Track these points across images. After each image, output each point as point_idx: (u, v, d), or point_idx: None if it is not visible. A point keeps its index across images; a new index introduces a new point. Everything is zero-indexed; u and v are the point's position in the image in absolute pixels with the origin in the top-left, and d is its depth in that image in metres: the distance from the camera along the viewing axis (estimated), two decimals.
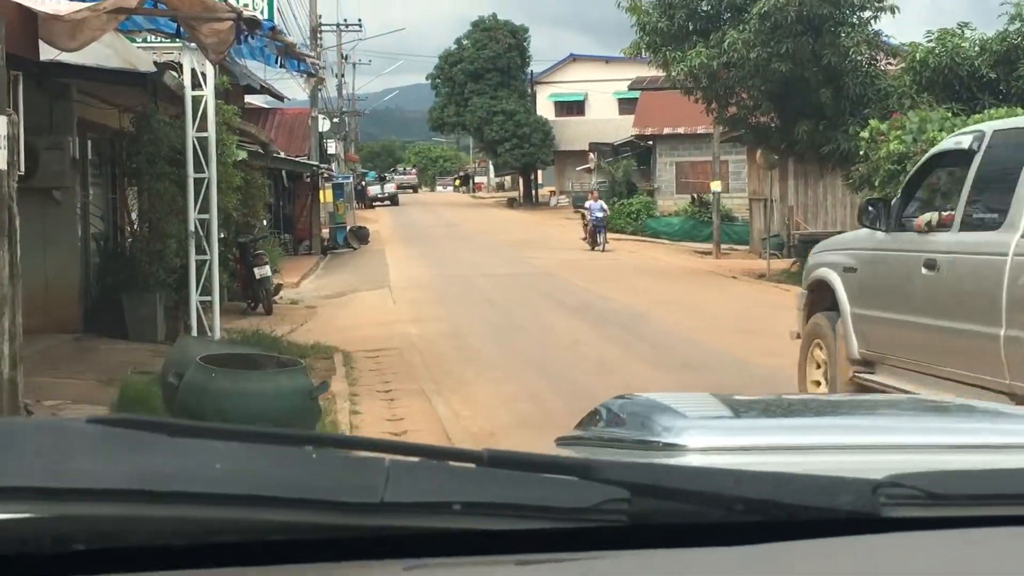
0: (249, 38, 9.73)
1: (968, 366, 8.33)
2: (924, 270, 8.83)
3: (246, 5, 14.86)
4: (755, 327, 18.25)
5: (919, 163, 10.59)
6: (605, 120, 72.43)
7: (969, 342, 8.27)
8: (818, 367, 10.63)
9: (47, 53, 11.42)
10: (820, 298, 10.68)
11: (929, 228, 8.98)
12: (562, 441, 2.70)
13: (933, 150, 10.49)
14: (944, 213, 9.00)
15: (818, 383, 10.53)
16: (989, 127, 9.10)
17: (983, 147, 8.66)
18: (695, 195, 48.03)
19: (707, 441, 2.23)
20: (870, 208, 9.91)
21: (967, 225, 8.49)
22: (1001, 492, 1.58)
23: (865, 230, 9.93)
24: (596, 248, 37.97)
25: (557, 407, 11.12)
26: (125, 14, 9.21)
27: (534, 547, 1.38)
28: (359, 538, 1.35)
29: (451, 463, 1.45)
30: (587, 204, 40.84)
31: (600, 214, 38.69)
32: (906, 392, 8.58)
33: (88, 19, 8.95)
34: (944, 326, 8.58)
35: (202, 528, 1.29)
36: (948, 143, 9.91)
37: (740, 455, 2.15)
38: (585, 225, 39.95)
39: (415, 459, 1.44)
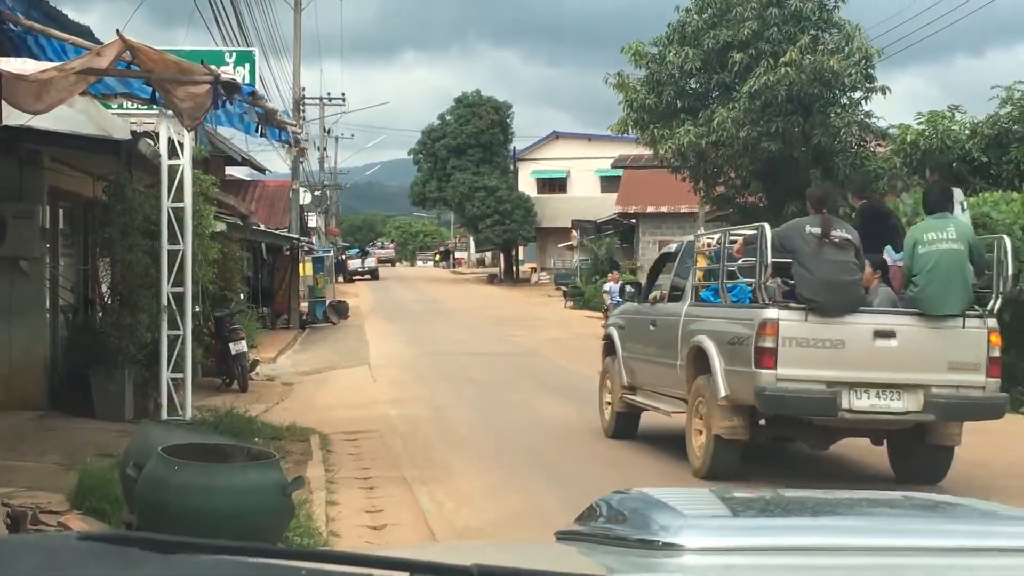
0: (228, 103, 9.16)
1: (670, 385, 13.02)
2: (651, 327, 13.77)
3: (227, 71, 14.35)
4: None
5: (654, 260, 16.00)
6: (587, 197, 72.35)
7: (669, 370, 12.86)
8: (608, 392, 15.07)
9: (16, 117, 10.88)
10: (609, 347, 15.28)
11: (654, 301, 14.06)
12: (562, 536, 2.74)
13: (661, 251, 15.95)
14: (661, 291, 14.19)
15: (609, 403, 14.95)
16: (686, 239, 14.83)
17: (681, 251, 14.10)
18: None
19: (705, 541, 2.27)
20: (628, 288, 15.48)
21: (670, 299, 13.66)
22: None
23: (629, 303, 15.13)
24: None
25: (547, 500, 10.47)
26: (95, 75, 8.64)
27: None
28: None
29: None
30: (606, 287, 35.93)
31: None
32: (650, 406, 13.59)
33: (55, 80, 8.38)
34: (659, 361, 13.33)
35: None
36: (668, 248, 15.44)
37: (738, 556, 2.20)
38: (606, 311, 31.76)
39: (404, 574, 1.43)
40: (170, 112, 12.36)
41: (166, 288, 14.71)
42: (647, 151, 39.30)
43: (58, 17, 11.46)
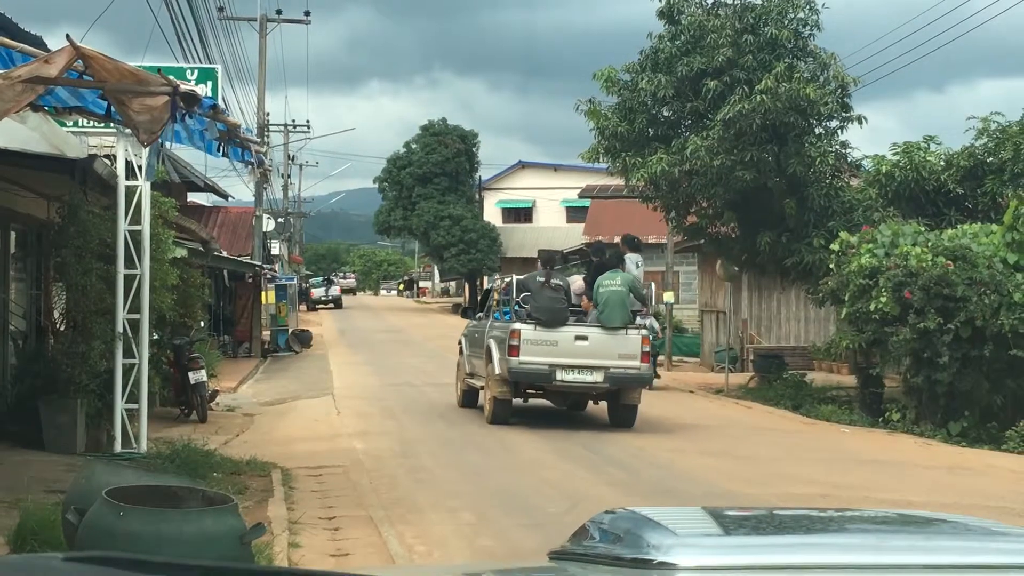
0: (187, 117, 8.54)
1: (480, 370, 19.41)
2: (476, 335, 20.41)
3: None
4: (725, 449, 17.10)
5: (486, 290, 22.91)
6: (553, 227, 71.97)
7: (480, 360, 19.46)
8: (458, 379, 21.86)
9: None
10: (460, 350, 21.81)
11: (479, 319, 21.02)
12: (555, 555, 2.78)
13: (486, 288, 23.18)
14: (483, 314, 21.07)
15: (459, 384, 21.60)
16: (497, 280, 23.87)
17: (493, 287, 21.97)
18: None
19: (699, 560, 2.27)
20: (468, 311, 25.55)
21: (485, 317, 20.42)
22: None
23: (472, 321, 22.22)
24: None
25: (523, 543, 9.85)
26: (43, 84, 8.01)
27: None
28: None
29: None
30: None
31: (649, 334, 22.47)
32: (476, 385, 20.23)
33: (0, 88, 7.74)
34: (478, 356, 19.73)
35: None
36: (490, 286, 23.06)
37: (732, 574, 2.23)
38: None
39: None
40: (128, 131, 11.76)
41: (121, 314, 14.11)
42: (615, 181, 38.96)
43: (8, 26, 10.84)
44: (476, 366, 20.09)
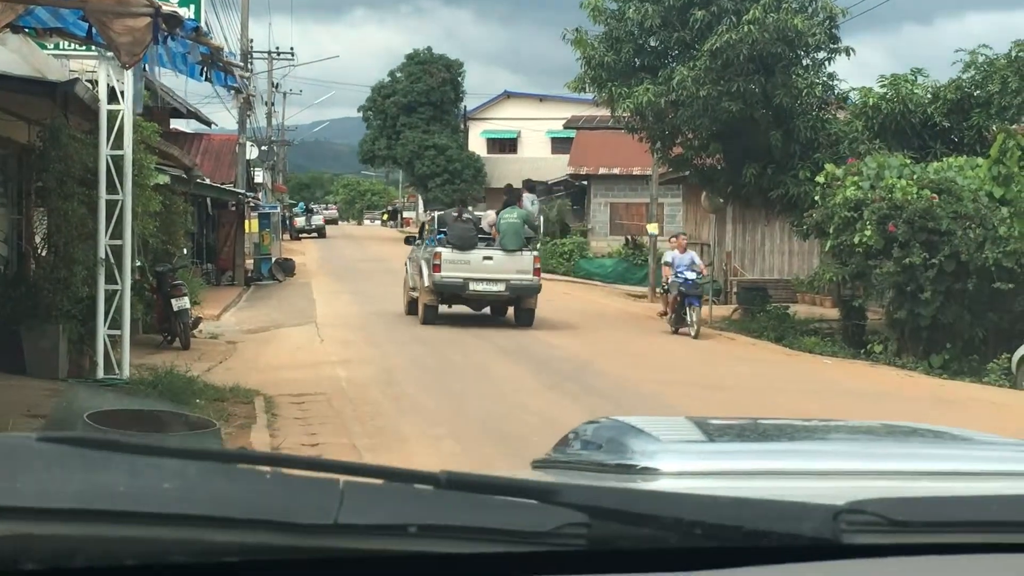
0: (169, 39, 8.43)
1: (417, 284, 24.46)
2: (413, 257, 25.40)
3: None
4: (706, 381, 17.17)
5: (422, 223, 30.12)
6: (538, 159, 71.63)
7: (418, 276, 24.08)
8: (404, 291, 26.13)
9: None
10: (405, 268, 26.39)
11: (419, 244, 25.64)
12: (537, 464, 2.76)
13: (423, 220, 31.92)
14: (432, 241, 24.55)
15: (405, 296, 25.89)
16: (436, 214, 27.55)
17: (435, 217, 26.38)
18: (629, 237, 47.19)
19: (681, 465, 2.25)
20: (410, 239, 27.54)
21: (426, 243, 24.78)
22: (962, 519, 1.61)
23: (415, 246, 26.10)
24: (683, 330, 23.96)
25: (503, 464, 9.88)
26: (23, 4, 7.88)
27: (492, 571, 1.40)
28: (312, 560, 1.34)
29: (408, 485, 1.45)
30: (668, 256, 25.49)
31: (691, 274, 24.18)
32: (414, 296, 24.77)
33: None
34: (415, 273, 24.76)
35: (153, 549, 1.29)
36: (429, 217, 28.44)
37: (713, 479, 2.19)
38: (665, 293, 25.47)
39: (371, 480, 1.44)
40: (109, 54, 11.61)
41: (104, 240, 14.03)
42: (600, 112, 38.70)
43: None
44: (415, 281, 24.73)
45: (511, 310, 24.69)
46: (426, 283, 23.51)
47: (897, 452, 2.65)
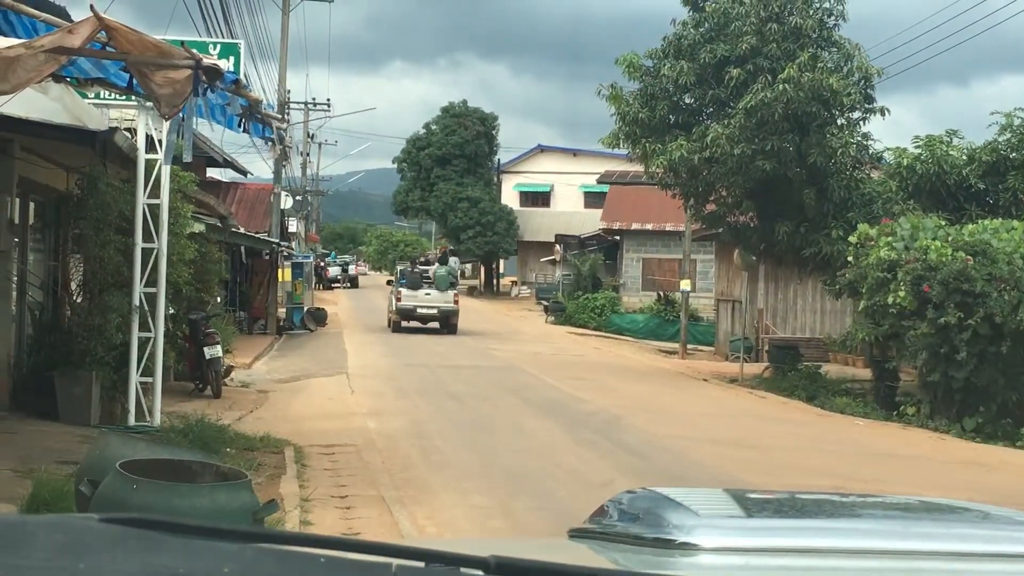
0: (209, 91, 8.51)
1: (392, 309, 40.54)
2: (390, 292, 41.05)
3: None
4: (737, 438, 17.05)
5: (400, 268, 42.39)
6: (570, 212, 71.85)
7: (392, 304, 39.97)
8: (387, 313, 41.20)
9: None
10: (390, 296, 40.64)
11: (394, 285, 40.32)
12: (574, 534, 2.76)
13: (402, 267, 43.02)
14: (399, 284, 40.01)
15: (388, 316, 40.52)
16: (403, 265, 44.72)
17: (399, 271, 41.66)
18: (661, 292, 47.11)
19: (720, 541, 2.26)
20: (391, 281, 42.59)
21: (396, 284, 40.56)
22: None
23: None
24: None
25: (534, 526, 9.83)
26: (66, 55, 7.98)
27: None
28: None
29: (456, 569, 1.44)
30: None
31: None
32: (394, 316, 39.30)
33: (23, 58, 7.72)
34: (385, 300, 43.31)
35: None
36: (404, 266, 42.72)
37: (752, 556, 2.21)
38: None
39: (421, 564, 1.46)
40: (149, 104, 11.73)
41: (138, 287, 14.08)
42: (634, 167, 38.80)
43: None
44: (392, 305, 38.99)
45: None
46: (394, 308, 38.80)
47: (936, 532, 2.62)
